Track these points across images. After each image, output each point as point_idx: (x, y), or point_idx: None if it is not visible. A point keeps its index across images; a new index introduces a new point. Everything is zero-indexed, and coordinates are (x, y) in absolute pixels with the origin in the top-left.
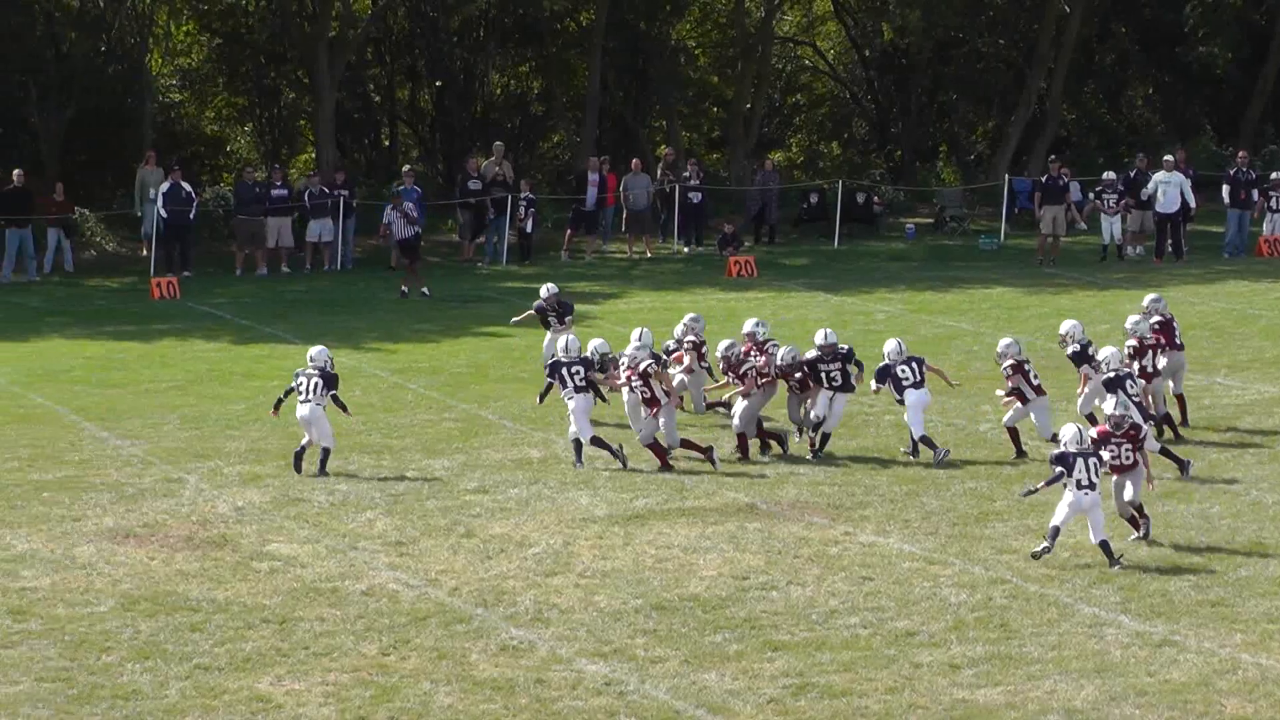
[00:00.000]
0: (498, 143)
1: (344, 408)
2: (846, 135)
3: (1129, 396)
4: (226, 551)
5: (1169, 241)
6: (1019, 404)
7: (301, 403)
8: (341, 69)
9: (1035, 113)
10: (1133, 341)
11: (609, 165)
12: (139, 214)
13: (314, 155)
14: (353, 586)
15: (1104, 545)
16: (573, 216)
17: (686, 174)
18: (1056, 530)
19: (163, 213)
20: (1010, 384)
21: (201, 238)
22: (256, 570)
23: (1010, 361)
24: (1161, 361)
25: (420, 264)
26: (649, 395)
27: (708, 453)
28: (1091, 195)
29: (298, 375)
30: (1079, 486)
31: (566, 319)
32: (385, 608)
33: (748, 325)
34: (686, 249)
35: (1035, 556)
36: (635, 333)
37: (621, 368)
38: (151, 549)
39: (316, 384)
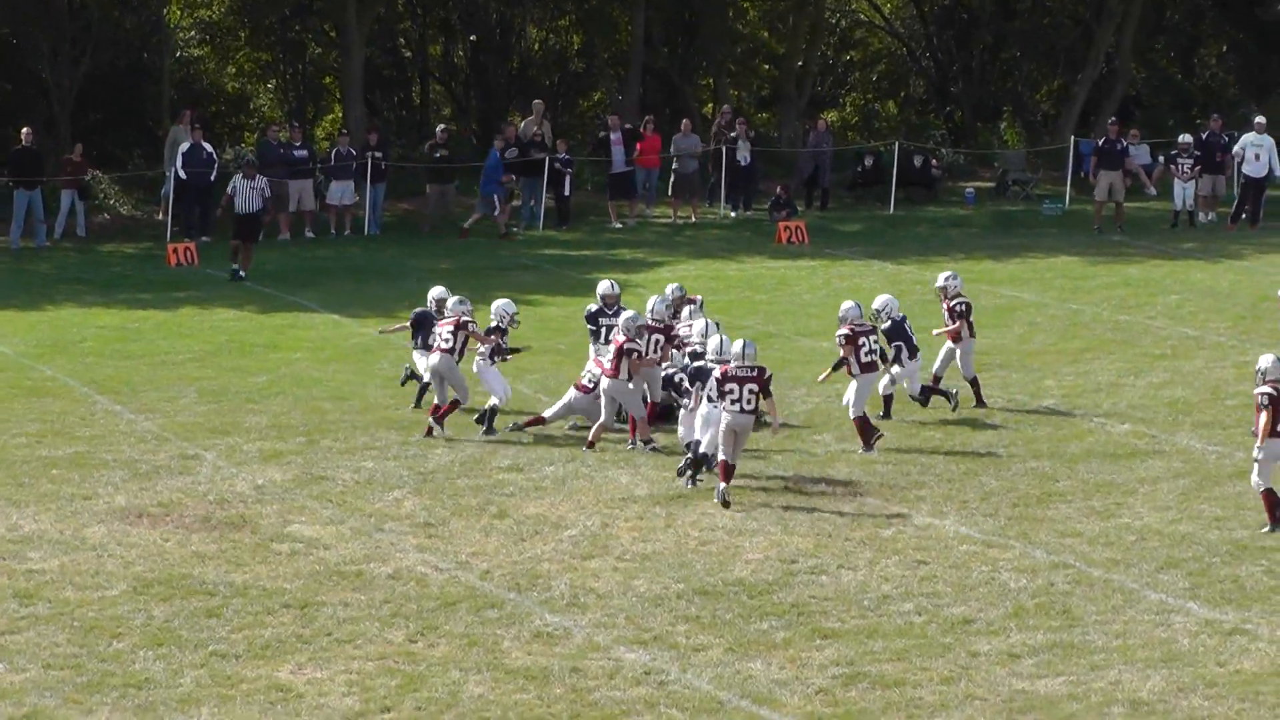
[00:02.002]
0: (537, 101)
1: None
2: (904, 94)
3: None
4: (245, 533)
5: (1247, 207)
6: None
7: (434, 350)
8: (371, 22)
9: (1103, 71)
10: None
11: (653, 125)
12: (168, 175)
13: (341, 114)
14: (379, 570)
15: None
16: (609, 181)
17: (734, 134)
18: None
19: (181, 174)
20: (843, 354)
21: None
22: (277, 552)
23: (846, 330)
24: None
25: (254, 246)
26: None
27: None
28: (1162, 159)
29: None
30: None
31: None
32: (413, 592)
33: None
34: (734, 213)
35: None
36: (651, 301)
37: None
38: (166, 530)
39: (452, 331)
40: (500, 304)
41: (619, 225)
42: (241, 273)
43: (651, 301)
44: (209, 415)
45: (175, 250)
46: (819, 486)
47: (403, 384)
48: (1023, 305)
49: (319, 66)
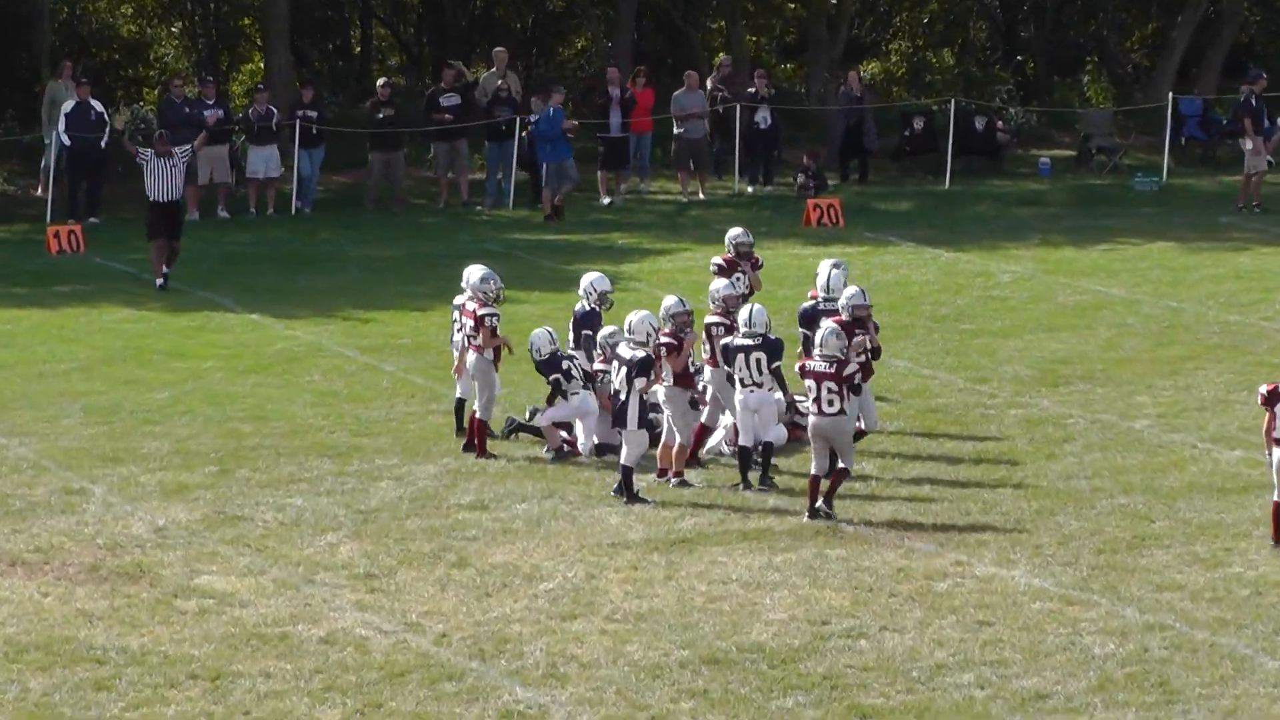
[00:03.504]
0: (499, 49)
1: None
2: (962, 41)
3: None
4: (143, 585)
5: None
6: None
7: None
8: None
9: (1208, 13)
10: None
11: (645, 79)
12: (48, 142)
13: (262, 64)
14: (308, 632)
15: None
16: (603, 148)
17: (752, 90)
18: None
19: (65, 139)
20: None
21: (115, 173)
22: (182, 611)
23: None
24: None
25: (178, 244)
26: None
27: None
28: None
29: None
30: None
31: None
32: (351, 660)
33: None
34: (751, 189)
35: None
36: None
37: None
38: (45, 582)
39: (474, 326)
40: (592, 279)
41: (607, 201)
42: (166, 272)
43: (634, 318)
44: (98, 439)
45: (57, 234)
46: (856, 527)
47: (508, 435)
48: (1110, 303)
49: (234, 5)
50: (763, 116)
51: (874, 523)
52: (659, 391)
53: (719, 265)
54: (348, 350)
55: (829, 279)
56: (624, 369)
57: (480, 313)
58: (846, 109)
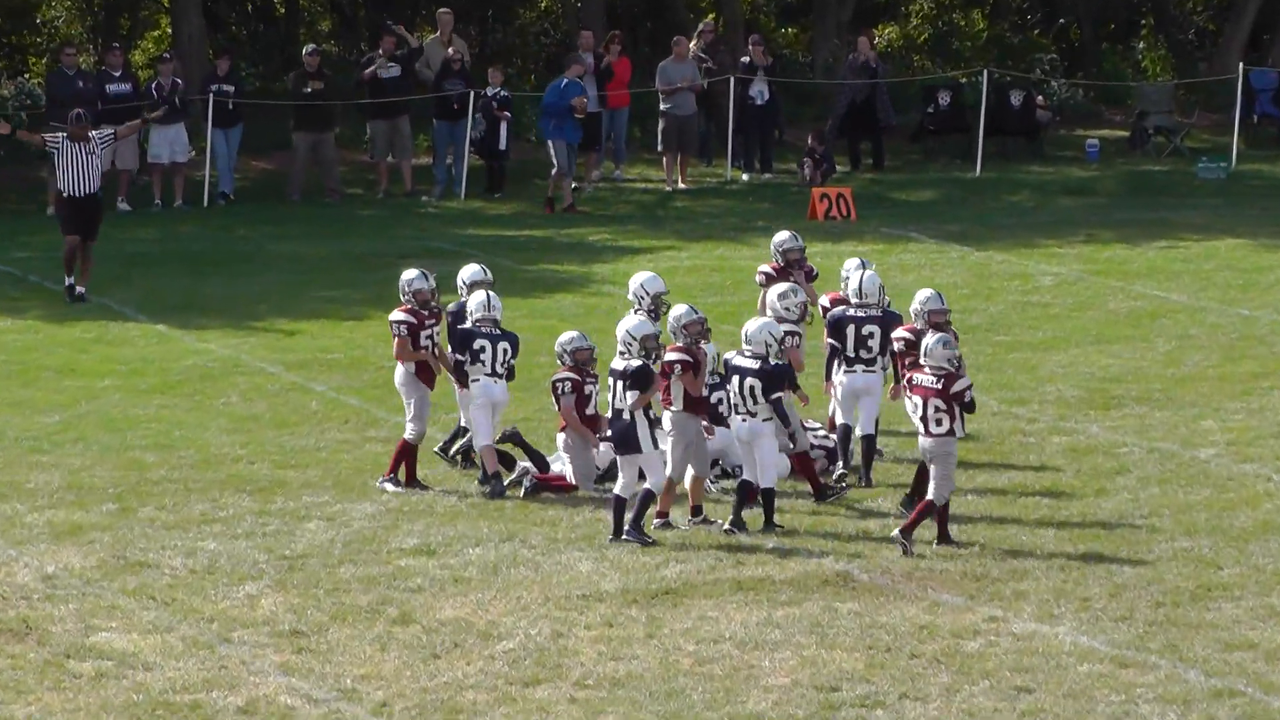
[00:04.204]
0: (443, 11)
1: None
2: (995, 2)
3: None
4: (29, 644)
5: None
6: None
7: (488, 376)
8: None
9: None
10: None
11: (622, 47)
12: None
13: (169, 30)
14: (224, 700)
15: None
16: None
17: (746, 59)
18: None
19: None
20: None
21: None
22: (75, 674)
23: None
24: None
25: (92, 246)
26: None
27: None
28: None
29: (477, 335)
30: None
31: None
32: None
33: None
34: (746, 176)
35: None
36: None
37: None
38: None
39: (505, 349)
40: (642, 280)
41: (576, 190)
42: (80, 289)
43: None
44: None
45: None
46: (872, 575)
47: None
48: (1170, 310)
49: None
50: (759, 90)
51: (892, 570)
52: (665, 418)
53: (767, 274)
54: (270, 366)
55: (861, 282)
56: (617, 383)
57: (390, 318)
58: (858, 82)
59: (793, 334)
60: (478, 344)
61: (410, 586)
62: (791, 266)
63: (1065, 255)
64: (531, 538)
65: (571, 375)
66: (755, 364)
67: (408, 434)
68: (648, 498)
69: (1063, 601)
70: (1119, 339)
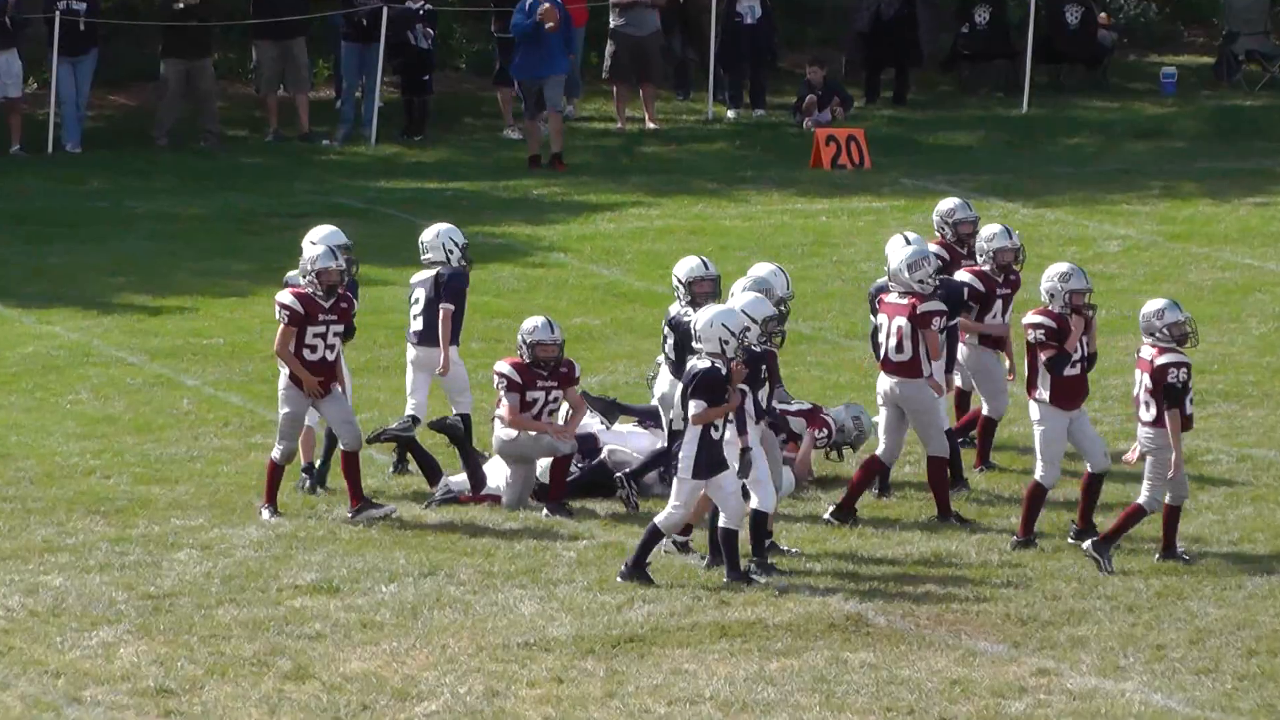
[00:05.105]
0: None
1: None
2: None
3: None
4: None
5: None
6: None
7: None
8: None
9: None
10: None
11: None
12: None
13: None
14: None
15: None
16: (500, 53)
17: None
18: None
19: None
20: None
21: None
22: None
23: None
24: None
25: None
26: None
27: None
28: None
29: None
30: None
31: None
32: None
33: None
34: (732, 114)
35: None
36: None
37: None
38: None
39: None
40: (691, 265)
41: (516, 135)
42: None
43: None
44: None
45: None
46: (891, 618)
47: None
48: (1265, 281)
49: None
50: (748, 7)
51: (916, 612)
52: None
53: (938, 256)
54: (131, 356)
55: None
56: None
57: (277, 298)
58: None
59: (938, 313)
60: None
61: (307, 633)
62: (963, 241)
63: (1135, 214)
64: (460, 571)
65: (514, 375)
66: (706, 364)
67: (274, 453)
68: (761, 520)
69: (1130, 650)
70: (1203, 319)
